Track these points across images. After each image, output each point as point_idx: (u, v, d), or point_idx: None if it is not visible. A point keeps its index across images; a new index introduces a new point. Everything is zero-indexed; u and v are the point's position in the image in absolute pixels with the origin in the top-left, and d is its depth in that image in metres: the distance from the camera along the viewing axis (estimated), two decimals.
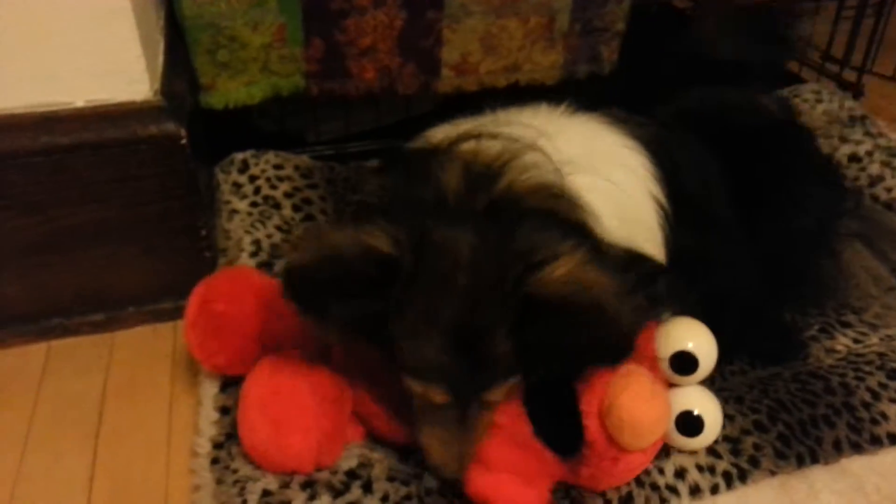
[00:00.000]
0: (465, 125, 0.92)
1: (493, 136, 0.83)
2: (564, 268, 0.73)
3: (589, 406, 0.84)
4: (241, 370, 0.95)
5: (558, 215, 0.79)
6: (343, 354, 0.92)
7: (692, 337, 0.91)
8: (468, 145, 0.83)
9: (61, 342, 1.17)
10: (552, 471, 0.88)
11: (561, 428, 0.86)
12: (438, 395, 0.80)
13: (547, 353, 0.77)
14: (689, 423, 0.90)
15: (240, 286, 0.99)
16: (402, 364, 0.80)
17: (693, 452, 0.94)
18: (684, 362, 0.89)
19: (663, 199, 0.92)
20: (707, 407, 0.91)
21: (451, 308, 0.75)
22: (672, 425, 0.90)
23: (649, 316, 0.89)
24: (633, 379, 0.84)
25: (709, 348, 0.91)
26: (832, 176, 1.29)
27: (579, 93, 1.20)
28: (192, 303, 0.97)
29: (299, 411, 0.88)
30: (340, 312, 0.76)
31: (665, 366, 0.89)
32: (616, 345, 0.77)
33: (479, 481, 0.84)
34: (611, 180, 0.87)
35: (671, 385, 0.91)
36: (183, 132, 1.07)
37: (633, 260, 0.85)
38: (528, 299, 0.73)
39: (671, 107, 1.10)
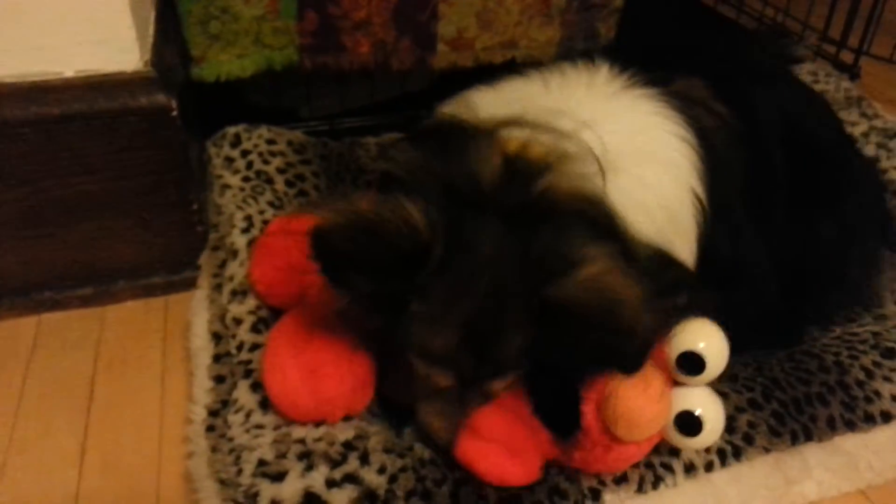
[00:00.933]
0: (510, 96, 0.87)
1: (541, 130, 0.79)
2: (587, 272, 0.72)
3: (588, 393, 0.83)
4: (275, 302, 1.00)
5: (591, 220, 0.76)
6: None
7: (703, 337, 0.88)
8: (513, 134, 0.79)
9: (51, 316, 1.16)
10: (544, 448, 0.88)
11: (559, 410, 0.86)
12: (442, 380, 0.80)
13: (559, 355, 0.76)
14: (689, 423, 0.88)
15: (296, 230, 0.97)
16: (411, 345, 0.79)
17: None
18: (692, 363, 0.87)
19: (703, 196, 0.88)
20: (709, 409, 0.89)
21: (470, 305, 0.74)
22: (671, 423, 0.88)
23: (670, 324, 0.85)
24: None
25: (719, 350, 0.88)
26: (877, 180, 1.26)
27: None
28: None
29: (334, 358, 0.88)
30: (364, 284, 0.74)
31: (672, 364, 0.88)
32: (631, 354, 0.75)
33: (465, 446, 0.85)
34: (652, 181, 0.84)
35: (678, 384, 0.90)
36: (174, 104, 1.06)
37: (663, 264, 0.82)
38: (546, 303, 0.72)
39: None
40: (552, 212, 0.75)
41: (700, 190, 0.88)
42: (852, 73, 1.79)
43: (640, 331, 0.73)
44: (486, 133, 0.79)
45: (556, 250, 0.73)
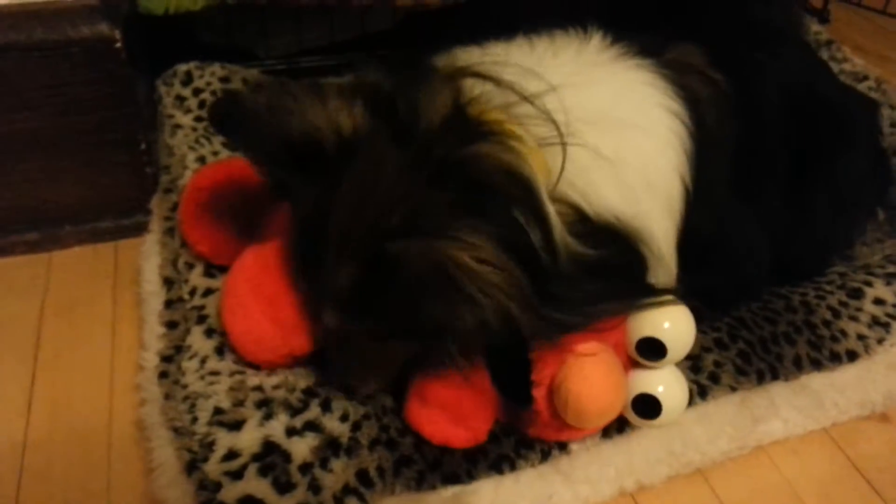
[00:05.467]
0: (496, 53, 0.84)
1: (501, 85, 0.76)
2: (443, 245, 0.68)
3: (539, 377, 0.80)
4: (224, 261, 0.94)
5: (512, 200, 0.72)
6: None
7: (666, 320, 0.84)
8: (471, 84, 0.76)
9: None
10: (495, 413, 0.86)
11: (513, 384, 0.83)
12: (300, 280, 0.82)
13: (378, 312, 0.75)
14: (646, 406, 0.86)
15: (231, 179, 0.96)
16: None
17: None
18: (653, 348, 0.84)
19: (688, 175, 0.84)
20: (669, 390, 0.86)
21: (336, 214, 0.73)
22: (629, 406, 0.86)
23: (557, 329, 0.78)
24: (588, 362, 0.79)
25: (683, 332, 0.85)
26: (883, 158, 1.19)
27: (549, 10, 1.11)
28: (185, 189, 0.99)
29: (293, 284, 0.86)
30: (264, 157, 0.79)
31: (632, 348, 0.85)
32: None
33: (413, 412, 0.84)
34: (624, 152, 0.79)
35: (639, 365, 0.87)
36: (118, 35, 1.00)
37: (620, 247, 0.79)
38: (383, 255, 0.70)
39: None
40: (470, 178, 0.71)
41: (685, 168, 0.84)
42: (822, 16, 1.77)
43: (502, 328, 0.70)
44: (445, 77, 0.76)
45: (436, 213, 0.70)
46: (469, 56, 0.85)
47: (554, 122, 0.74)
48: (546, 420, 0.82)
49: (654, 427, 0.89)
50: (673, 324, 0.84)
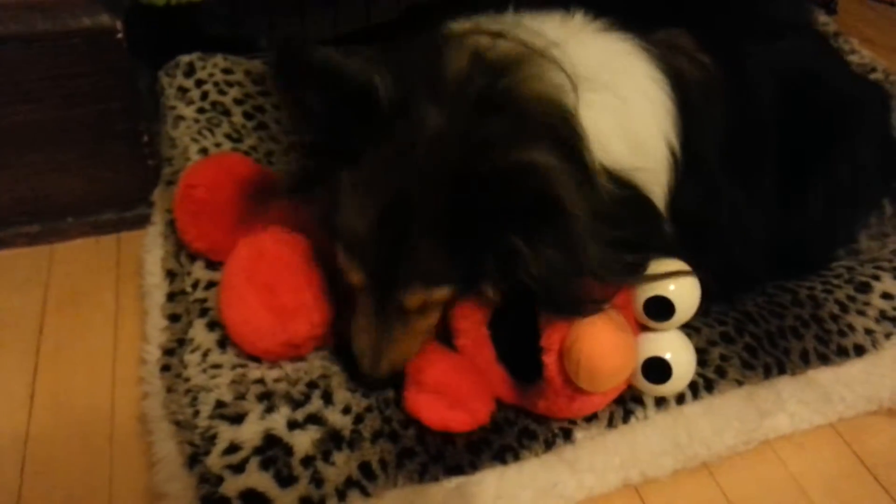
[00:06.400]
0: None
1: (510, 38, 0.79)
2: (528, 155, 0.70)
3: (549, 343, 0.80)
4: (222, 257, 0.93)
5: (552, 128, 0.74)
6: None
7: (672, 281, 0.83)
8: (483, 39, 0.79)
9: None
10: (499, 394, 0.87)
11: (521, 358, 0.83)
12: (355, 274, 0.78)
13: (482, 237, 0.74)
14: (656, 370, 0.85)
15: (224, 174, 0.96)
16: (336, 231, 0.78)
17: None
18: (661, 307, 0.83)
19: (675, 143, 0.85)
20: (678, 354, 0.86)
21: (394, 181, 0.73)
22: (638, 371, 0.86)
23: (627, 270, 0.80)
24: (597, 322, 0.79)
25: (689, 293, 0.84)
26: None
27: None
28: (179, 186, 0.98)
29: (290, 271, 0.86)
30: (315, 108, 0.74)
31: (640, 309, 0.84)
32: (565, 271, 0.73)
33: (411, 400, 0.84)
34: (626, 105, 0.82)
35: (646, 328, 0.87)
36: (119, 25, 1.00)
37: (632, 201, 0.80)
38: (474, 175, 0.70)
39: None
40: (511, 109, 0.74)
41: (672, 135, 0.85)
42: (829, 7, 1.76)
43: (584, 239, 0.70)
44: (457, 37, 0.79)
45: (502, 139, 0.71)
46: (465, 24, 0.86)
47: (564, 70, 0.76)
48: (558, 387, 0.81)
49: (664, 394, 0.89)
50: (679, 284, 0.84)
